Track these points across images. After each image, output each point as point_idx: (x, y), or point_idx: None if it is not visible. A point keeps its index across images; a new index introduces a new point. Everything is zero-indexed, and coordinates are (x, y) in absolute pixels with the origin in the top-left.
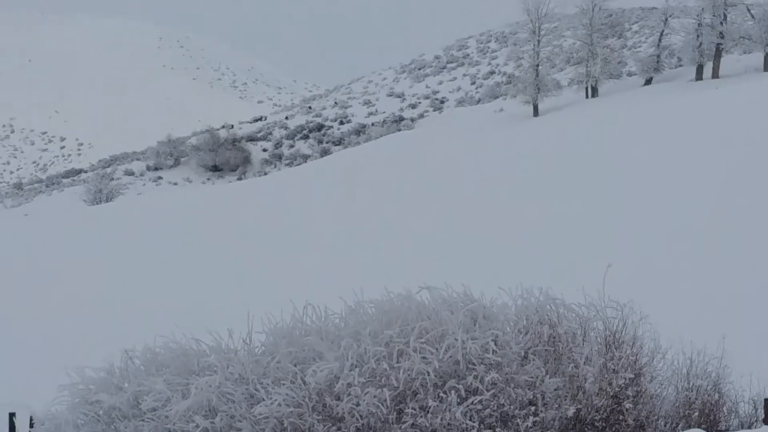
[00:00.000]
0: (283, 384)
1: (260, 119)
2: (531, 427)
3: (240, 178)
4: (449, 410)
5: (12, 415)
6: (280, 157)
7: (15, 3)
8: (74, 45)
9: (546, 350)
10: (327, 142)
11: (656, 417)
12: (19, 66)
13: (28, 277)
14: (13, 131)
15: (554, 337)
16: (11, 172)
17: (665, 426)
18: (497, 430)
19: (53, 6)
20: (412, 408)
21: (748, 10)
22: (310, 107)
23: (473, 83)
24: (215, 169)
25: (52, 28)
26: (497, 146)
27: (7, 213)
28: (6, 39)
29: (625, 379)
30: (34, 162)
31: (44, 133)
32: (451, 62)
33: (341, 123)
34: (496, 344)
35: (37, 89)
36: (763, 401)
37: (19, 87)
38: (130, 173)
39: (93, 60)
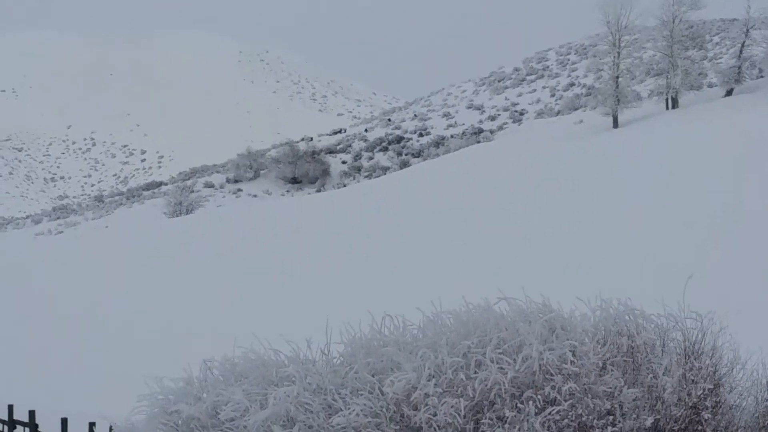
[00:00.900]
0: (361, 394)
1: (339, 132)
2: None
3: (319, 190)
4: (527, 420)
5: (92, 425)
6: (359, 169)
7: (95, 20)
8: (155, 59)
9: (624, 361)
10: (406, 154)
11: (735, 428)
12: (101, 80)
13: (107, 287)
14: (94, 144)
15: (633, 348)
16: (92, 185)
17: None
18: None
19: (133, 21)
20: (489, 418)
21: None
22: (389, 119)
23: (553, 95)
24: (294, 181)
25: (133, 43)
26: (573, 157)
27: (88, 225)
28: (87, 54)
29: (704, 389)
30: (115, 175)
31: (125, 146)
32: (531, 74)
33: (420, 135)
34: (574, 355)
35: (118, 103)
36: None
37: (100, 101)
38: (210, 185)
39: (173, 74)
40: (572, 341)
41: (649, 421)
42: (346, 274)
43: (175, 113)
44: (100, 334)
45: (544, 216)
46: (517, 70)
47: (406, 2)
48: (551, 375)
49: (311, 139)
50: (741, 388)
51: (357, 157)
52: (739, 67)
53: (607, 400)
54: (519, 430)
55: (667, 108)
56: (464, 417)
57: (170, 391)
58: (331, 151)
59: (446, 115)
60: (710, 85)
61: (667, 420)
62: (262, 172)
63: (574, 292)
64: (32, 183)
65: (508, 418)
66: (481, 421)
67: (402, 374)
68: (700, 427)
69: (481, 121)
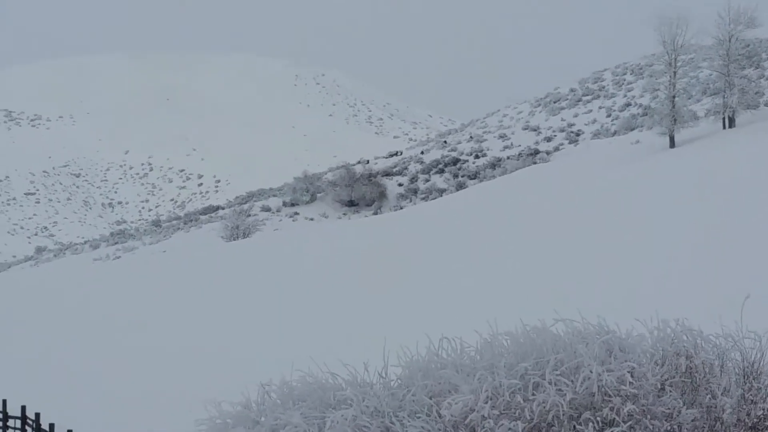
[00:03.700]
0: (419, 417)
1: (396, 154)
2: None
3: (376, 213)
4: None
5: None
6: (415, 192)
7: (148, 45)
8: (211, 83)
9: (683, 381)
10: (462, 176)
11: None
12: (157, 105)
13: (164, 311)
14: (151, 169)
15: (691, 368)
16: (150, 210)
17: None
18: None
19: (187, 46)
20: None
21: None
22: (445, 141)
23: (609, 115)
24: (351, 204)
25: (188, 68)
26: (630, 177)
27: (146, 250)
28: (142, 79)
29: (764, 409)
30: (172, 199)
31: (182, 170)
32: (587, 95)
33: (477, 157)
34: (632, 376)
35: (174, 127)
36: None
37: (157, 126)
38: (266, 209)
39: (230, 97)
40: (630, 362)
41: None
42: (402, 295)
43: (232, 137)
44: (158, 359)
45: (599, 237)
46: (573, 90)
47: (463, 25)
48: (609, 396)
49: (367, 161)
50: None
51: (413, 179)
52: None
53: (665, 420)
54: None
55: (724, 127)
56: None
57: (228, 415)
58: (387, 174)
59: (502, 136)
60: (767, 104)
61: None
62: (318, 195)
63: (631, 313)
64: (90, 208)
65: None
66: None
67: (459, 396)
68: None
69: (537, 142)
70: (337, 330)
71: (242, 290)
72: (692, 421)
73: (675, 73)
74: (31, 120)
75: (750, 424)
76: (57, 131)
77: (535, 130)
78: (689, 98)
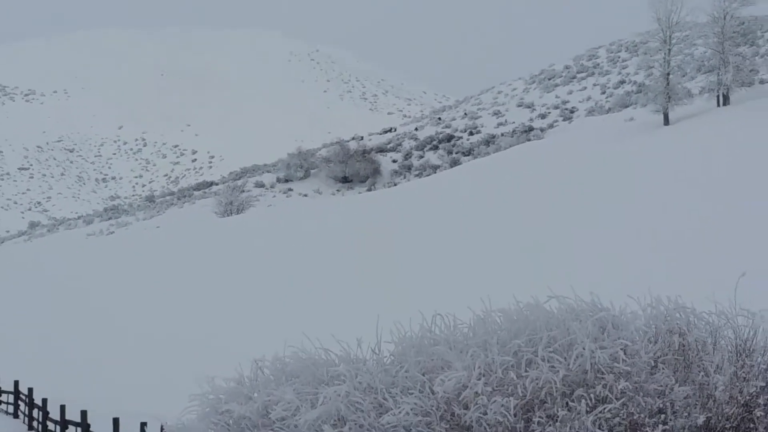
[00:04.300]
0: (412, 393)
1: (390, 131)
2: None
3: (369, 190)
4: (578, 419)
5: (143, 425)
6: (409, 168)
7: (144, 20)
8: (204, 59)
9: (676, 359)
10: (456, 153)
11: None
12: (151, 81)
13: (158, 287)
14: (145, 145)
15: (684, 346)
16: (143, 185)
17: None
18: None
19: (182, 22)
20: (539, 417)
21: None
22: (439, 118)
23: (603, 93)
24: (345, 180)
25: (183, 43)
26: (624, 154)
27: (139, 225)
28: (139, 54)
29: (757, 387)
30: (166, 175)
31: (176, 146)
32: (581, 72)
33: (471, 134)
34: (625, 353)
35: (168, 103)
36: None
37: (151, 101)
38: (260, 185)
39: (224, 73)
40: (623, 340)
41: (700, 420)
42: (396, 272)
43: (226, 113)
44: (151, 335)
45: (592, 215)
46: (567, 67)
47: (456, 1)
48: (602, 374)
49: (362, 138)
50: None
51: (407, 156)
52: None
53: (658, 398)
54: (570, 428)
55: (719, 105)
56: (515, 416)
57: (221, 390)
58: (381, 150)
59: (496, 113)
60: (762, 82)
61: (719, 418)
62: (312, 171)
63: (623, 290)
64: (84, 184)
65: (559, 416)
66: (532, 419)
67: (452, 373)
68: (752, 425)
69: (531, 119)
70: (330, 307)
71: (235, 267)
72: (685, 398)
73: (670, 50)
74: (25, 95)
75: (742, 402)
76: (51, 106)
77: (529, 107)
78: (684, 76)
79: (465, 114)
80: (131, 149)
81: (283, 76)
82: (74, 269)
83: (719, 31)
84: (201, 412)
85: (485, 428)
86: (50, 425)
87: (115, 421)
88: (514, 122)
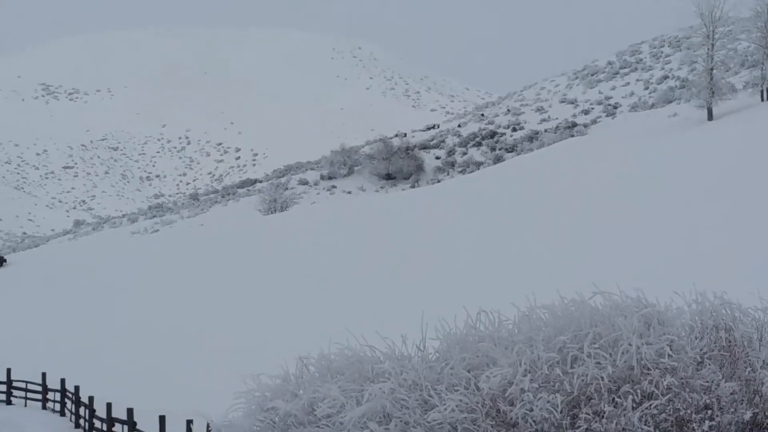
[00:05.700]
0: (457, 390)
1: (433, 127)
2: None
3: (413, 186)
4: (624, 415)
5: (189, 423)
6: (452, 165)
7: (188, 19)
8: (249, 57)
9: (722, 354)
10: (500, 149)
11: None
12: (195, 79)
13: (203, 285)
14: (189, 143)
15: (730, 341)
16: (187, 183)
17: None
18: None
19: (227, 20)
20: (586, 413)
21: None
22: (482, 115)
23: (646, 88)
24: (388, 177)
25: (227, 42)
26: (669, 150)
27: (184, 223)
28: (181, 54)
29: None
30: (210, 173)
31: (220, 144)
32: (624, 67)
33: (514, 130)
34: (671, 349)
35: (212, 101)
36: None
37: (194, 99)
38: (304, 182)
39: (268, 71)
40: (669, 335)
41: (747, 415)
42: (440, 269)
43: (269, 111)
44: (197, 332)
45: (637, 210)
46: (610, 63)
47: None
48: (649, 369)
49: (405, 135)
50: None
51: (450, 152)
52: None
53: (704, 394)
54: (616, 424)
55: (762, 99)
56: (561, 412)
57: (267, 388)
58: (424, 147)
59: (539, 109)
60: None
61: (766, 414)
62: (356, 168)
63: (669, 286)
64: (128, 182)
65: (605, 412)
66: (578, 416)
67: (498, 370)
68: None
69: (574, 115)
70: (375, 303)
71: (280, 264)
72: (731, 394)
73: (713, 45)
74: (69, 94)
75: None
76: (95, 105)
77: (572, 103)
78: (727, 71)
79: (508, 110)
80: (175, 147)
81: (325, 74)
82: (120, 268)
83: (762, 26)
84: (247, 410)
85: (531, 424)
86: (96, 423)
87: (161, 419)
88: (557, 118)
